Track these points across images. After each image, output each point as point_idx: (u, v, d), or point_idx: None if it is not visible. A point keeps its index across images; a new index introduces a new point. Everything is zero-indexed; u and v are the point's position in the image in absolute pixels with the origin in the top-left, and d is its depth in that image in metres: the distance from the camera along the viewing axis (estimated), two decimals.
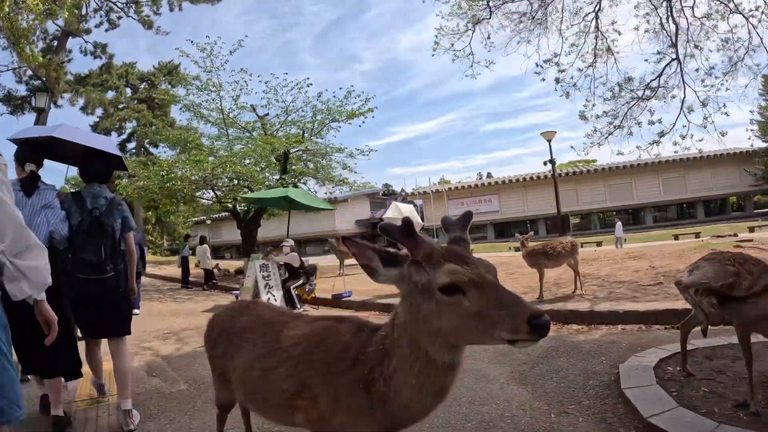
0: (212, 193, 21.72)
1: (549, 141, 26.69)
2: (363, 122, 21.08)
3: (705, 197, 53.77)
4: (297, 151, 21.48)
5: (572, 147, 14.50)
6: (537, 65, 14.01)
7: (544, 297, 9.90)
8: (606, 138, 13.28)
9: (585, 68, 13.34)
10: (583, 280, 10.37)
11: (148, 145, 40.17)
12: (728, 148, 55.51)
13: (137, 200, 22.09)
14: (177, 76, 33.45)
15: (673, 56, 12.46)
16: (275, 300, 11.69)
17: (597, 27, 13.04)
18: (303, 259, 12.95)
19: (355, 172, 22.31)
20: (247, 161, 19.41)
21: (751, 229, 29.41)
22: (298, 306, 11.88)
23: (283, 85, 20.62)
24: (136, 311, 12.55)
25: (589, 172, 53.84)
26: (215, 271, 20.32)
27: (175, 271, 27.22)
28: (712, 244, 14.32)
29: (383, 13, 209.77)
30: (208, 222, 52.65)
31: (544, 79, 14.20)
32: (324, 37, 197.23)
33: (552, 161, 28.05)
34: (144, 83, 42.96)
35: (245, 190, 19.79)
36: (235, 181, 20.02)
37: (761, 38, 11.84)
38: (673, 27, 12.26)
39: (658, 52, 12.89)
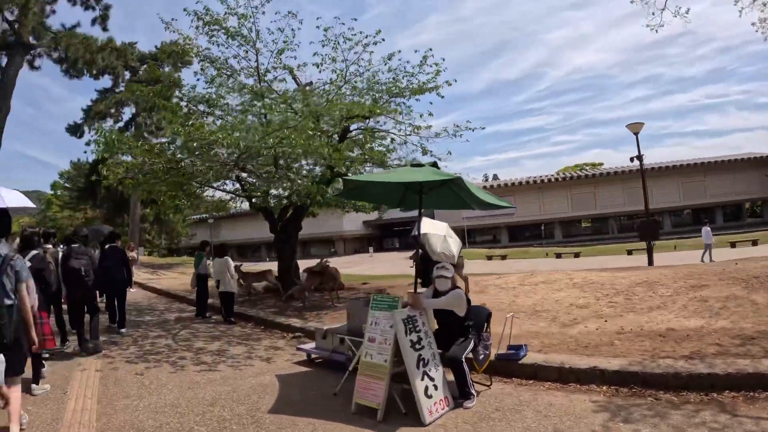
0: (232, 184, 15.20)
1: (636, 134, 21.00)
2: (431, 102, 13.99)
3: (723, 202, 48.38)
4: (357, 129, 14.51)
5: None
6: None
7: None
8: None
9: None
10: None
11: (148, 135, 32.48)
12: (746, 153, 51.37)
13: (131, 189, 14.29)
14: (182, 57, 26.18)
15: None
16: (436, 387, 5.39)
17: None
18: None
19: (441, 158, 13.79)
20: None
21: None
22: (473, 391, 5.65)
23: (347, 37, 13.14)
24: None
25: (608, 174, 48.09)
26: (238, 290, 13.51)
27: (177, 283, 20.37)
28: None
29: None
30: (210, 221, 45.68)
31: None
32: None
33: (640, 156, 22.08)
34: (145, 65, 34.14)
35: (285, 182, 13.14)
36: (275, 166, 13.09)
37: None
38: None
39: None
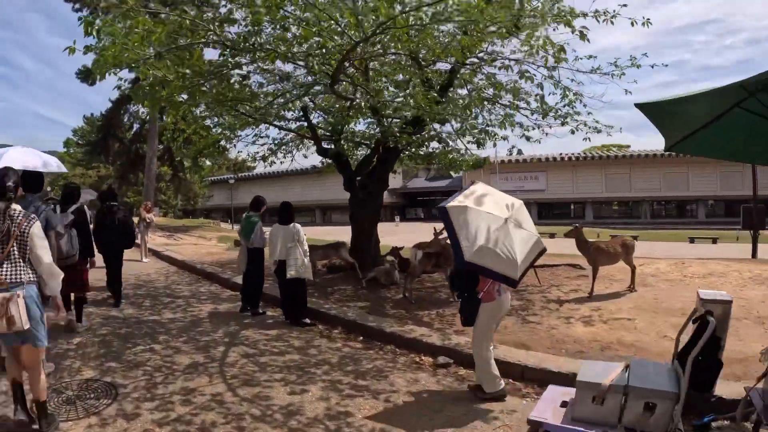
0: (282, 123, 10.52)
1: None
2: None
3: (763, 196, 42.61)
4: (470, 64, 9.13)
5: None
6: None
7: None
8: None
9: None
10: None
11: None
12: None
13: (151, 102, 7.94)
14: None
15: None
16: None
17: None
18: None
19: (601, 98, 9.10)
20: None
21: None
22: None
23: None
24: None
25: (645, 156, 42.64)
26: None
27: (199, 251, 15.30)
28: None
29: None
30: (232, 181, 40.02)
31: None
32: None
33: None
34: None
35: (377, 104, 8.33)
36: (366, 77, 8.55)
37: None
38: None
39: None
